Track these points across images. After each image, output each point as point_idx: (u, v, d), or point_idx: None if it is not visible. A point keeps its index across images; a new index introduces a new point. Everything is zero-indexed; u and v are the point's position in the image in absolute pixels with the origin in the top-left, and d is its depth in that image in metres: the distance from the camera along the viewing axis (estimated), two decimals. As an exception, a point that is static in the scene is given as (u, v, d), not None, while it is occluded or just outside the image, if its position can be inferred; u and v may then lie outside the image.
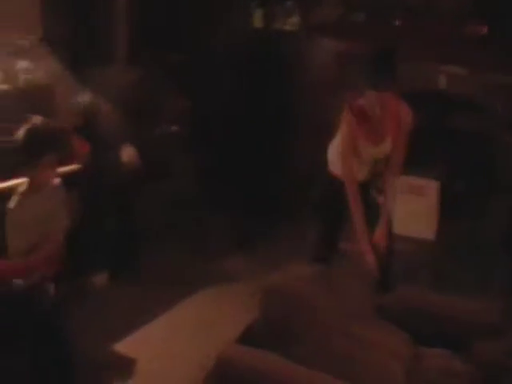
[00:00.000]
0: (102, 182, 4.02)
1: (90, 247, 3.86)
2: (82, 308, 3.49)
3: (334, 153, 3.34)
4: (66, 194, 2.87)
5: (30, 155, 2.68)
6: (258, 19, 5.53)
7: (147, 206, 4.43)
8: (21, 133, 2.68)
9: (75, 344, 3.00)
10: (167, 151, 4.79)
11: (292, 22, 5.46)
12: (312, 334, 2.24)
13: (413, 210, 4.50)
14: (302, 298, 2.34)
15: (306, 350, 2.24)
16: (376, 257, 3.18)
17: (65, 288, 2.91)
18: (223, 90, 5.16)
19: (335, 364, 2.16)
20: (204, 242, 4.67)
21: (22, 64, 3.84)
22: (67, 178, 3.51)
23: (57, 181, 2.86)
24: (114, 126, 4.11)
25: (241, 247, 4.63)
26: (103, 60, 4.29)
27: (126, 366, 3.23)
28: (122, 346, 3.40)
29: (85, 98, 4.00)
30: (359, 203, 3.16)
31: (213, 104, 5.12)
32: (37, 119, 2.73)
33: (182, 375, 3.13)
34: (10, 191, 2.82)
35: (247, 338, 2.44)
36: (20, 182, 2.80)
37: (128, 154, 4.23)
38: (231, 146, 5.20)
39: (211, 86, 5.03)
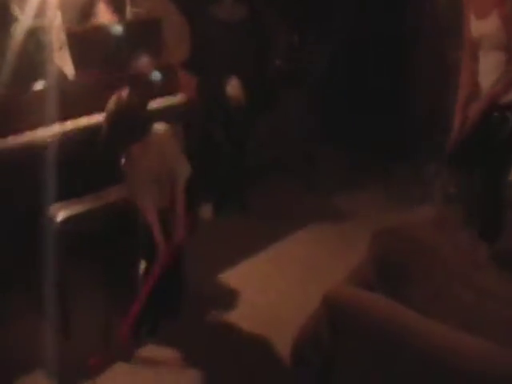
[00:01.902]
0: (209, 115, 3.99)
1: (197, 179, 3.87)
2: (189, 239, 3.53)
3: None
4: (178, 142, 2.88)
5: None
6: None
7: (257, 139, 4.35)
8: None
9: (182, 274, 3.09)
10: (277, 85, 4.68)
11: None
12: (431, 281, 2.10)
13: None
14: (423, 241, 2.19)
15: (422, 297, 2.10)
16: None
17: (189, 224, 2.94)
18: (333, 26, 4.92)
19: (455, 314, 2.03)
20: (314, 178, 4.54)
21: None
22: (175, 112, 3.56)
23: (167, 132, 2.82)
24: (220, 60, 4.04)
25: (355, 184, 4.48)
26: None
27: (230, 298, 3.24)
28: (226, 278, 3.41)
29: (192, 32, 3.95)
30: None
31: (324, 38, 4.91)
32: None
33: (286, 310, 3.10)
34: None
35: (356, 278, 2.36)
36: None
37: (234, 87, 4.16)
38: (345, 80, 4.98)
39: (321, 20, 4.81)
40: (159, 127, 2.80)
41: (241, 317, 3.10)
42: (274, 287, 3.36)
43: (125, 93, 2.64)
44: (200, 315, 3.11)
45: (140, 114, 2.68)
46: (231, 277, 3.43)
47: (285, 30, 4.83)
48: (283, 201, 4.29)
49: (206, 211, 4.05)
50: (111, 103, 2.63)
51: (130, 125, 2.61)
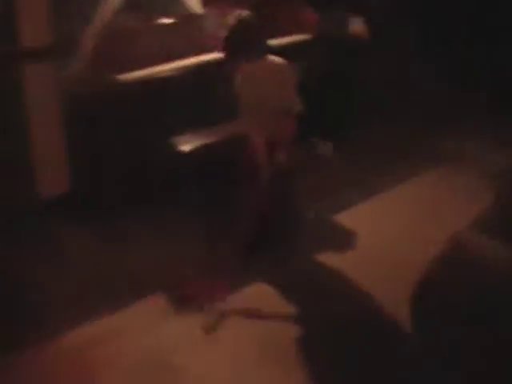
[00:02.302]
0: (329, 51, 3.91)
1: (315, 117, 3.84)
2: (306, 177, 3.46)
3: None
4: (293, 75, 2.86)
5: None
6: None
7: (372, 79, 4.20)
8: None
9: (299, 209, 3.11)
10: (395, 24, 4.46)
11: None
12: None
13: None
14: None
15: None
16: None
17: (293, 156, 2.93)
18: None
19: None
20: (434, 119, 4.31)
21: None
22: (297, 49, 3.50)
23: (283, 64, 2.84)
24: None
25: (478, 129, 4.20)
26: None
27: (346, 238, 3.18)
28: (342, 219, 3.35)
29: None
30: None
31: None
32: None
33: (402, 254, 2.99)
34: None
35: (479, 226, 2.24)
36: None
37: (356, 25, 4.03)
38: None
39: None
40: (276, 59, 2.86)
41: (358, 259, 3.02)
42: (393, 228, 3.26)
43: (245, 12, 2.82)
44: (314, 255, 3.07)
45: (255, 34, 2.81)
46: (348, 216, 3.37)
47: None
48: (403, 140, 4.12)
49: (326, 149, 4.00)
50: (231, 18, 2.81)
51: (244, 40, 2.78)
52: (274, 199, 2.92)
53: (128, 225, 3.14)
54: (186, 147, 3.04)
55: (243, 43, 2.78)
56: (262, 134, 2.83)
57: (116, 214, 3.10)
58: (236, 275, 2.81)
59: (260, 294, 2.78)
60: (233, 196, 3.02)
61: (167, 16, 3.27)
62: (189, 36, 3.25)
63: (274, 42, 3.38)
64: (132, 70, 3.09)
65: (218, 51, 3.09)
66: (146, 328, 2.58)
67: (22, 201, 3.01)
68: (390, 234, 3.22)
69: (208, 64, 3.27)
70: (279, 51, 3.04)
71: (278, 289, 2.80)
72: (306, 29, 3.75)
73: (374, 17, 4.07)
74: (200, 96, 3.23)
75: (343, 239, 3.21)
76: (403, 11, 4.45)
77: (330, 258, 3.02)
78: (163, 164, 3.05)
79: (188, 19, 3.26)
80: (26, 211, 3.03)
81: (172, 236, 3.11)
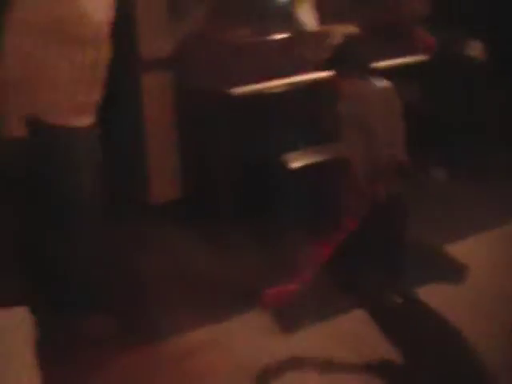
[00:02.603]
0: (447, 74, 3.76)
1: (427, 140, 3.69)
2: (420, 202, 3.31)
3: None
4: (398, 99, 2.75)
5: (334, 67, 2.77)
6: None
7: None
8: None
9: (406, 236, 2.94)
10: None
11: None
12: None
13: None
14: None
15: None
16: None
17: (407, 181, 2.82)
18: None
19: None
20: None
21: None
22: (411, 70, 3.40)
23: (390, 87, 2.74)
24: (463, 18, 3.76)
25: None
26: None
27: (457, 271, 3.01)
28: (453, 249, 3.17)
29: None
30: None
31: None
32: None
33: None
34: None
35: None
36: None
37: (474, 47, 3.86)
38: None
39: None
40: (382, 81, 2.77)
41: (468, 292, 2.87)
42: (503, 263, 3.07)
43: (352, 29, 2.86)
44: (423, 285, 2.90)
45: (361, 53, 2.78)
46: (458, 249, 3.18)
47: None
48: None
49: (439, 173, 3.83)
50: (338, 35, 2.89)
51: (349, 60, 2.72)
52: (376, 226, 2.77)
53: (234, 235, 3.17)
54: (295, 164, 3.05)
55: (348, 63, 2.73)
56: (363, 161, 2.70)
57: (222, 224, 3.13)
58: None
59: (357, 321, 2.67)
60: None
61: (280, 32, 3.26)
62: (300, 53, 3.22)
63: (385, 63, 3.29)
64: (240, 84, 3.09)
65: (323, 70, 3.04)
66: (246, 341, 2.54)
67: (135, 205, 3.10)
68: (504, 270, 3.02)
69: (316, 82, 3.22)
70: (391, 73, 2.97)
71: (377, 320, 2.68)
72: (422, 50, 3.63)
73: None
74: (307, 114, 3.20)
75: (453, 271, 3.04)
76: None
77: (436, 291, 2.86)
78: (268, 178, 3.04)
79: (301, 36, 3.24)
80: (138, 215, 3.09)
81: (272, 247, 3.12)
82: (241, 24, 3.21)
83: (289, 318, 2.66)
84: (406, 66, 3.54)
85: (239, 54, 3.10)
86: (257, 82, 3.08)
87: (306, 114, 3.20)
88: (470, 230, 3.31)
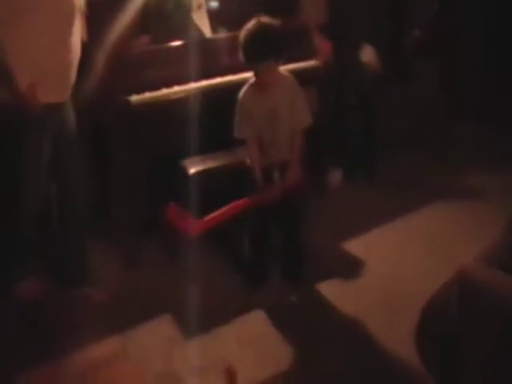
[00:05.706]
0: (342, 81, 3.90)
1: (328, 144, 3.81)
2: (316, 204, 3.50)
3: None
4: (302, 93, 2.76)
5: (249, 57, 2.63)
6: None
7: (388, 108, 4.21)
8: (242, 33, 2.64)
9: (307, 237, 3.04)
10: (412, 55, 4.48)
11: None
12: None
13: None
14: None
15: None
16: None
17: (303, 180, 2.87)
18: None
19: None
20: (448, 152, 4.34)
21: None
22: (307, 75, 3.48)
23: (288, 80, 2.75)
24: (357, 26, 3.90)
25: (488, 162, 4.22)
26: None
27: (354, 267, 3.16)
28: (352, 246, 3.33)
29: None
30: None
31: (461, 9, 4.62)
32: (264, 19, 2.63)
33: (411, 283, 2.97)
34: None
35: (490, 259, 2.18)
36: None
37: (368, 54, 4.02)
38: (481, 52, 4.68)
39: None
40: (285, 72, 2.75)
41: (364, 287, 3.02)
42: (400, 259, 3.23)
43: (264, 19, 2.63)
44: (320, 283, 3.04)
45: (271, 36, 2.60)
46: (356, 245, 3.34)
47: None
48: (416, 172, 4.14)
49: (335, 176, 3.98)
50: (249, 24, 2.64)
51: (261, 41, 2.57)
52: (278, 224, 2.88)
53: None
54: (192, 169, 3.06)
55: (256, 45, 2.58)
56: (255, 139, 2.74)
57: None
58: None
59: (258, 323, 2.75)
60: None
61: (177, 39, 3.27)
62: (199, 59, 3.23)
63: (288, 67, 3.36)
64: (142, 92, 3.07)
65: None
66: (154, 352, 2.54)
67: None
68: (400, 263, 3.19)
69: (219, 87, 3.25)
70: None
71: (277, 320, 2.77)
72: (320, 55, 3.72)
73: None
74: (210, 119, 3.22)
75: (350, 267, 3.17)
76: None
77: (334, 287, 2.99)
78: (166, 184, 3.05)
79: (199, 42, 3.26)
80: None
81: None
82: (139, 32, 3.19)
83: (192, 323, 2.68)
84: (304, 71, 3.64)
85: (138, 62, 3.09)
86: (156, 89, 3.08)
87: (206, 119, 3.21)
88: (367, 228, 3.47)
